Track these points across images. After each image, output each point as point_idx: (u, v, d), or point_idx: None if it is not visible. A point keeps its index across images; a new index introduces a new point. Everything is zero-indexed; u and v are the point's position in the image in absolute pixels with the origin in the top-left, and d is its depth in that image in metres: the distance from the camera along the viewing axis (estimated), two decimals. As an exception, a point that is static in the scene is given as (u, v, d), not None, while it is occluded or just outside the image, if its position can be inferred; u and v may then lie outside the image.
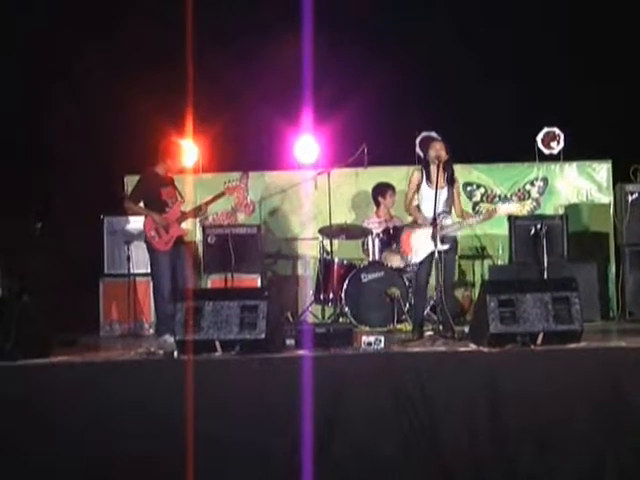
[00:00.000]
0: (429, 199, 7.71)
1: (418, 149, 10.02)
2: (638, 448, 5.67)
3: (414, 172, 8.12)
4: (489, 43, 10.14)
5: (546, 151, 10.35)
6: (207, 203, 8.74)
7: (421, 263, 7.92)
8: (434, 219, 7.54)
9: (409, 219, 8.33)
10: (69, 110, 10.05)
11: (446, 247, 7.75)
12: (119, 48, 10.21)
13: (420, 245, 7.87)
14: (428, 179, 7.93)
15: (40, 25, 10.00)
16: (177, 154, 8.64)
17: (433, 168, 7.88)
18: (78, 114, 10.05)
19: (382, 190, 9.74)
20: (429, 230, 7.64)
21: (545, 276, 8.84)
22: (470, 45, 10.16)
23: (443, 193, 7.78)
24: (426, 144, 8.31)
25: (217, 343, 6.24)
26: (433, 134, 9.47)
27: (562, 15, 9.93)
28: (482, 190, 10.51)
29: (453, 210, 8.00)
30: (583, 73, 10.03)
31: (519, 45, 10.11)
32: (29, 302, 6.96)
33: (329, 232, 9.34)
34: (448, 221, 7.86)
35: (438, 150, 7.87)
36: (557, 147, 10.31)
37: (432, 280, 7.92)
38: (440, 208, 7.72)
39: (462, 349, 6.33)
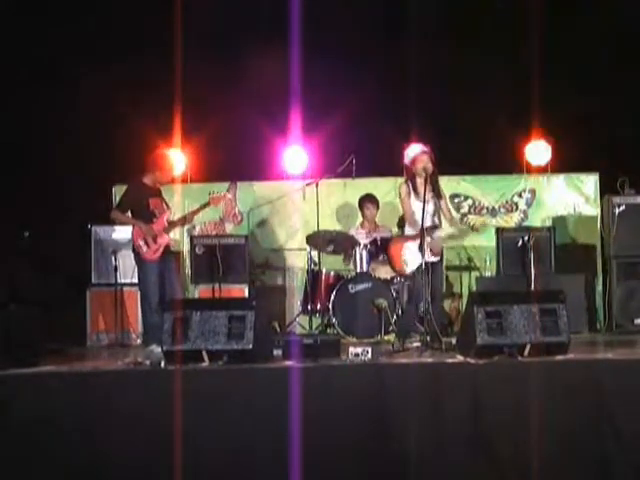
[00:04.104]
0: (416, 212, 7.77)
1: (405, 161, 10.03)
2: (622, 459, 5.71)
3: (401, 185, 8.18)
4: (476, 53, 10.17)
5: (534, 163, 10.39)
6: (193, 213, 8.77)
7: (416, 273, 8.00)
8: (422, 231, 7.57)
9: (395, 230, 8.37)
10: (58, 119, 10.02)
11: (437, 259, 7.82)
12: (109, 58, 10.20)
13: (411, 257, 7.93)
14: (415, 192, 8.00)
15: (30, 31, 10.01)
16: (166, 166, 8.62)
17: (420, 181, 7.93)
18: (67, 123, 10.02)
19: (361, 202, 9.86)
20: (418, 242, 7.71)
21: (532, 288, 8.86)
22: (457, 56, 10.19)
23: (430, 206, 7.80)
24: (414, 156, 8.34)
25: (204, 353, 6.23)
26: (421, 146, 9.49)
27: (547, 29, 9.95)
28: (470, 202, 10.52)
29: (443, 221, 8.06)
30: (571, 85, 10.06)
31: (503, 55, 10.13)
32: (17, 311, 6.94)
33: (317, 241, 9.34)
34: (437, 234, 7.93)
35: (425, 162, 7.94)
36: (545, 159, 10.35)
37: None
38: (428, 221, 7.75)
39: (449, 360, 6.33)
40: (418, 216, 7.76)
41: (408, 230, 8.34)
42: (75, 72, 9.97)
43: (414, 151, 8.31)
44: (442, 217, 8.13)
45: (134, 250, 8.38)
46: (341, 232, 9.71)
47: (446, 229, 8.13)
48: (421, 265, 7.81)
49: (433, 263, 7.78)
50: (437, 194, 7.99)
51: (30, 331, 6.75)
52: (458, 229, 8.23)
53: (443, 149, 8.39)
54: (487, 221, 8.68)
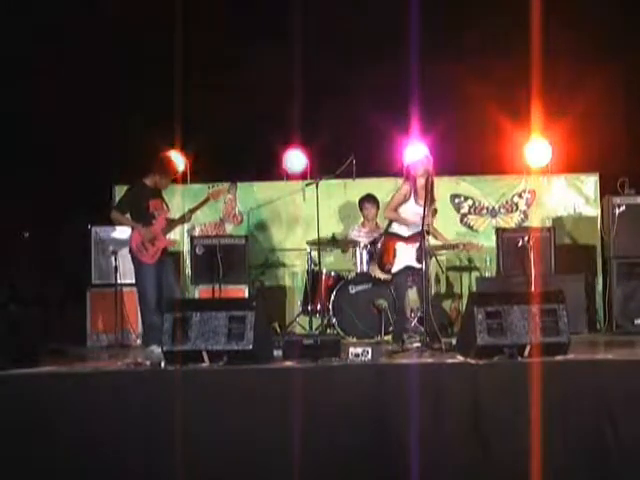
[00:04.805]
0: (414, 214, 7.84)
1: (407, 162, 10.03)
2: (622, 459, 5.71)
3: (404, 185, 8.21)
4: (476, 53, 10.17)
5: (534, 163, 10.39)
6: (192, 211, 8.75)
7: (397, 275, 8.07)
8: (422, 234, 7.60)
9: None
10: (58, 119, 10.01)
11: (427, 264, 7.85)
12: (109, 58, 10.21)
13: (400, 257, 8.00)
14: (416, 194, 8.04)
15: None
16: (168, 172, 8.57)
17: (421, 184, 7.97)
18: (67, 123, 10.01)
19: (360, 202, 9.89)
20: (410, 244, 7.77)
21: (532, 288, 8.86)
22: (457, 56, 10.19)
23: (426, 210, 7.82)
24: (415, 158, 8.37)
25: (204, 354, 6.23)
26: (422, 148, 9.51)
27: (547, 28, 9.92)
28: (470, 202, 10.52)
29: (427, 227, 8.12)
30: (571, 85, 10.05)
31: (503, 55, 10.11)
32: (17, 311, 6.95)
33: (317, 243, 9.34)
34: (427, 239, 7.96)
35: (427, 165, 7.97)
36: (545, 159, 10.35)
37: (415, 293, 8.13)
38: (420, 226, 7.76)
39: (449, 361, 6.32)
40: (413, 218, 7.84)
41: (394, 228, 8.35)
42: (76, 72, 9.96)
43: (416, 154, 8.34)
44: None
45: (131, 252, 8.38)
46: (341, 239, 9.74)
47: (434, 241, 8.25)
48: (406, 268, 7.92)
49: (419, 269, 7.82)
50: (432, 199, 8.03)
51: (30, 331, 6.75)
52: (440, 240, 8.32)
53: (443, 149, 8.39)
54: (480, 244, 8.73)
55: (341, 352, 6.53)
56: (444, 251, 9.13)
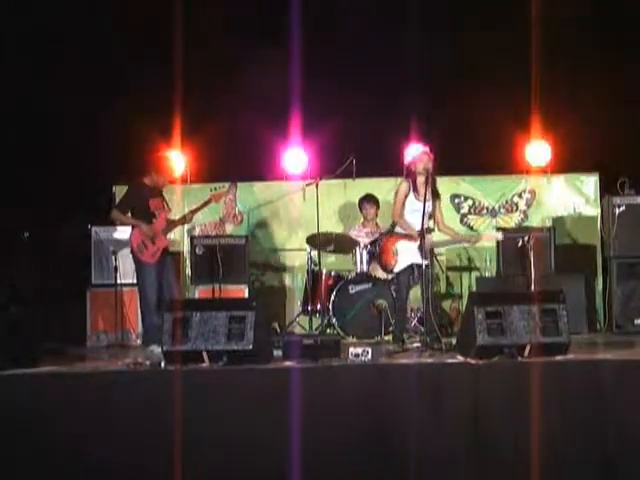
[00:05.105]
0: (415, 212, 7.80)
1: (407, 160, 10.02)
2: (623, 459, 5.71)
3: (402, 183, 8.17)
4: (476, 53, 10.16)
5: (534, 163, 10.38)
6: (193, 212, 8.78)
7: (400, 274, 8.04)
8: (421, 232, 7.58)
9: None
10: (58, 119, 10.01)
11: (426, 262, 7.83)
12: (109, 58, 10.21)
13: (403, 256, 7.96)
14: (415, 191, 8.00)
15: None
16: (163, 170, 8.59)
17: (420, 180, 7.94)
18: (67, 123, 10.02)
19: (360, 202, 9.87)
20: (412, 242, 7.75)
21: (532, 288, 8.85)
22: (457, 56, 10.19)
23: (428, 206, 7.81)
24: (415, 156, 8.36)
25: (204, 354, 6.23)
26: (422, 146, 9.49)
27: (547, 28, 9.92)
28: (470, 202, 10.52)
29: (434, 224, 8.09)
30: (571, 85, 10.05)
31: (503, 55, 10.11)
32: (17, 311, 6.95)
33: (317, 241, 9.32)
34: (428, 237, 7.92)
35: (426, 162, 7.94)
36: (545, 160, 10.34)
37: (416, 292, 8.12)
38: (425, 222, 7.76)
39: (449, 361, 6.33)
40: (413, 217, 7.83)
41: (398, 230, 8.33)
42: (75, 72, 9.96)
43: (416, 151, 8.31)
44: (434, 221, 8.15)
45: (132, 252, 8.38)
46: (340, 234, 9.72)
47: (440, 235, 8.20)
48: (409, 267, 7.90)
49: (422, 266, 7.80)
50: (434, 195, 8.01)
51: (30, 331, 6.75)
52: (452, 236, 8.28)
53: (443, 149, 8.37)
54: (488, 233, 8.71)
55: (341, 352, 6.54)
56: (457, 245, 9.09)
